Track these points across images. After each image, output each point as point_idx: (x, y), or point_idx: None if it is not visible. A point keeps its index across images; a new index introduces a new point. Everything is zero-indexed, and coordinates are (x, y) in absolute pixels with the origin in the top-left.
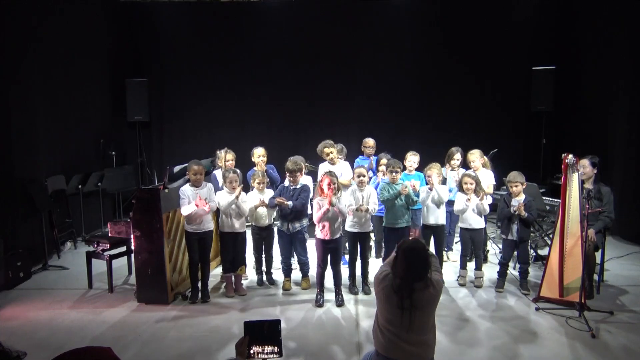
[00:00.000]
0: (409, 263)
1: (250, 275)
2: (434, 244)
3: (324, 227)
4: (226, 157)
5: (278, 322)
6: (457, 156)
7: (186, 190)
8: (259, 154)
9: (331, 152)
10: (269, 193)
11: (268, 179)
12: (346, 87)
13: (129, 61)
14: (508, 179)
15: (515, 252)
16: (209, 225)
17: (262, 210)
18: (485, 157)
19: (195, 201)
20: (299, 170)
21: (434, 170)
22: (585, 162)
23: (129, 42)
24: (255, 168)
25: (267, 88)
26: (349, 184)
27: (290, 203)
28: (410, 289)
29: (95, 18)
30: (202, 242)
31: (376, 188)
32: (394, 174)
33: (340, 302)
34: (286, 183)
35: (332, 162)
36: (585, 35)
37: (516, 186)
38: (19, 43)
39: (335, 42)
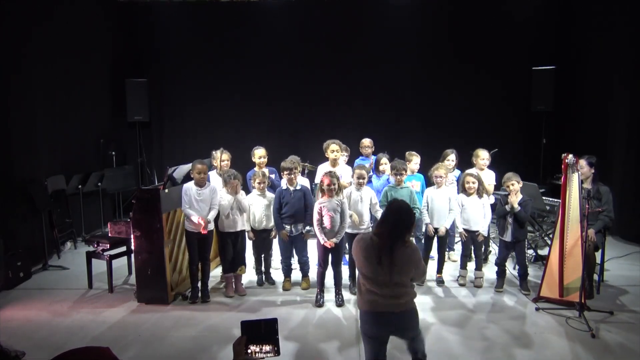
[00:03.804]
0: (396, 221)
1: (250, 275)
2: (437, 246)
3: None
4: (222, 157)
5: (275, 321)
6: (452, 157)
7: (189, 189)
8: (259, 155)
9: (336, 151)
10: (269, 196)
11: (269, 180)
12: (346, 88)
13: (129, 61)
14: (503, 180)
15: (513, 253)
16: (209, 225)
17: (261, 213)
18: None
19: (199, 220)
20: (295, 168)
21: (441, 171)
22: (582, 162)
23: (129, 42)
24: (255, 169)
25: (267, 88)
26: (348, 186)
27: (313, 231)
28: (389, 247)
29: (95, 18)
30: (202, 242)
31: (378, 191)
32: (399, 176)
33: (340, 302)
34: (284, 186)
35: (333, 163)
36: (585, 35)
37: (512, 184)
38: (19, 43)
39: (335, 42)
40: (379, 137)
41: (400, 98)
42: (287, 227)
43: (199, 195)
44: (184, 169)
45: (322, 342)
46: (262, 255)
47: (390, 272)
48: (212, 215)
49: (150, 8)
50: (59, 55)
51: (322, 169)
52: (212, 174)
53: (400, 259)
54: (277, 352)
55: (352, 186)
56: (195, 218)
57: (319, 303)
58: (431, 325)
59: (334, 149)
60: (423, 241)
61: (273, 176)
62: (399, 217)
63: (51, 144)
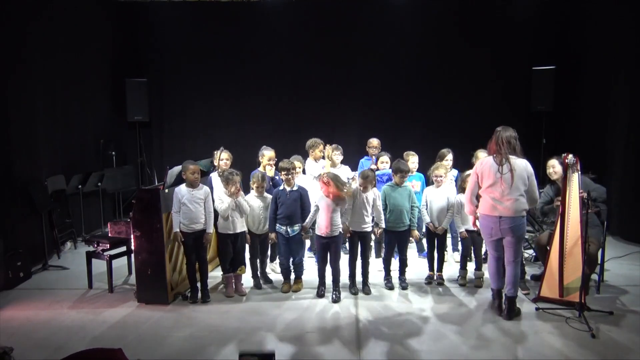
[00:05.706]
0: (498, 138)
1: (247, 278)
2: (437, 245)
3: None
4: (221, 155)
5: (272, 355)
6: (449, 157)
7: (181, 191)
8: (269, 157)
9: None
10: (268, 198)
11: (271, 183)
12: (346, 87)
13: (129, 61)
14: None
15: None
16: (204, 225)
17: (259, 215)
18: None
19: (178, 238)
20: (292, 168)
21: (440, 170)
22: (554, 162)
23: (129, 42)
24: (259, 169)
25: (268, 88)
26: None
27: (309, 232)
28: (506, 158)
29: (95, 18)
30: (199, 241)
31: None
32: (402, 178)
33: (336, 299)
34: (281, 186)
35: (316, 160)
36: (585, 35)
37: None
38: (18, 43)
39: (336, 41)
40: (379, 136)
41: (401, 97)
42: (283, 227)
43: (192, 196)
44: (175, 170)
45: (321, 342)
46: (258, 259)
47: (512, 177)
48: (210, 230)
49: (150, 8)
50: (58, 55)
51: (310, 165)
52: (214, 176)
53: (519, 165)
54: None
55: (358, 187)
56: (176, 228)
57: (320, 293)
58: (431, 325)
59: (322, 149)
60: (425, 240)
61: (277, 178)
62: (499, 135)
63: (51, 144)
